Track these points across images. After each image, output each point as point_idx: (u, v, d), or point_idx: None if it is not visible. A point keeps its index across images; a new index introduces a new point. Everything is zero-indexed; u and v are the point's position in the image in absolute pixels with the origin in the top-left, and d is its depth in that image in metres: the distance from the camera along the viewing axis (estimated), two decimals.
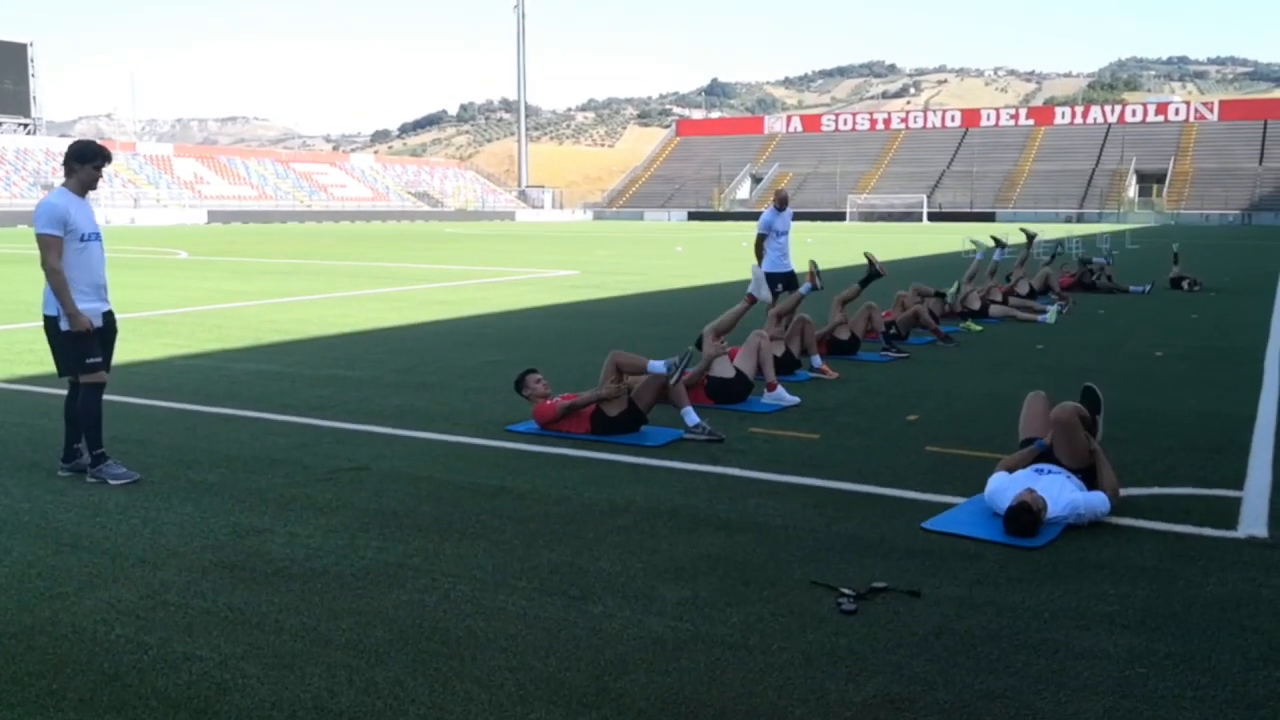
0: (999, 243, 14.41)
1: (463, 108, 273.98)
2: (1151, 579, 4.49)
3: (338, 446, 6.83)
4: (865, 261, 11.69)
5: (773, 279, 12.09)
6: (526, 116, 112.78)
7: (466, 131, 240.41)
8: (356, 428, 7.40)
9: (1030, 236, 18.13)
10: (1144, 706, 3.35)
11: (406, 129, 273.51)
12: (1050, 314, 14.20)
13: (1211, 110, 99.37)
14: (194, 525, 5.16)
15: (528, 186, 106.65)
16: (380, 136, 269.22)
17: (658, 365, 7.13)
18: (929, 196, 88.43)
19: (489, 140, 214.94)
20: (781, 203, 12.94)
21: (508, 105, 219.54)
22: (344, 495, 5.69)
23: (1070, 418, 5.50)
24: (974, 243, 16.89)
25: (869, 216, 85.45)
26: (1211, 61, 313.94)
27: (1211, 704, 3.37)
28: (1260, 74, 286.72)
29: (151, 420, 7.66)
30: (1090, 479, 5.38)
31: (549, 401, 7.26)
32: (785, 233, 12.81)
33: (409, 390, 8.84)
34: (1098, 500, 5.19)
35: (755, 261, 12.47)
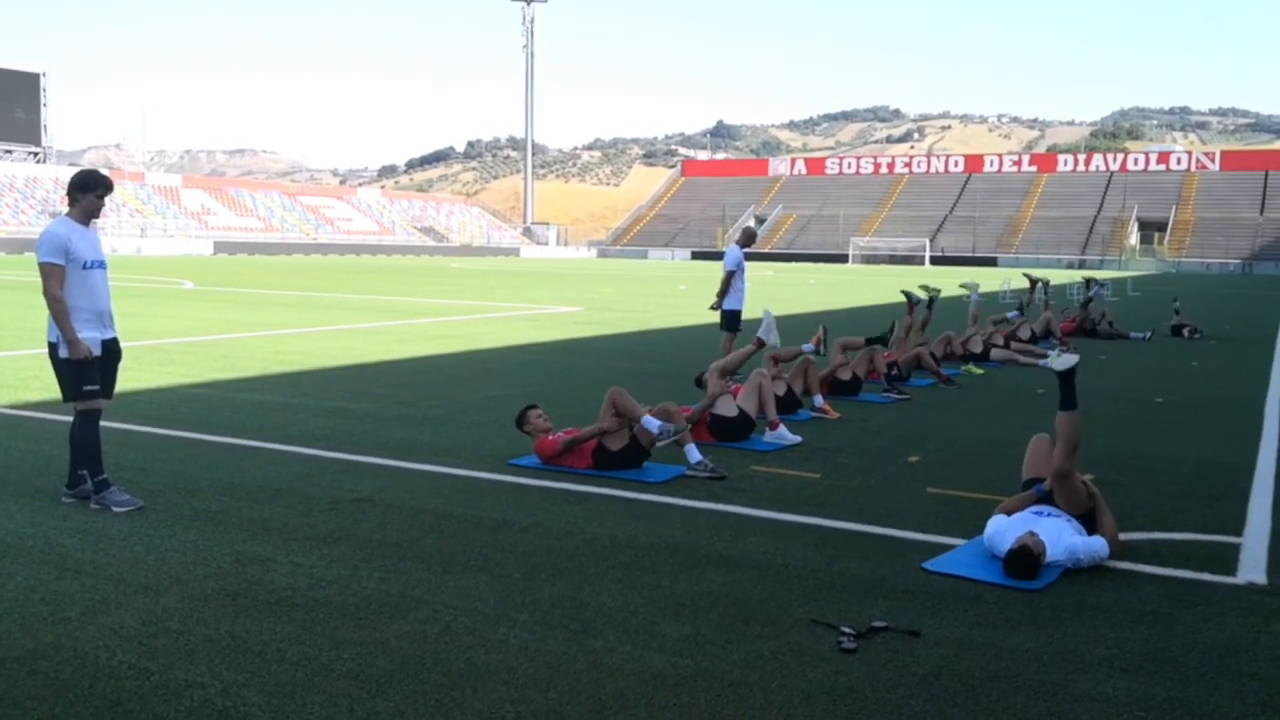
0: (929, 292, 13.26)
1: (470, 144, 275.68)
2: (1151, 623, 4.50)
3: (341, 477, 6.85)
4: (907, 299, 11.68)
5: (738, 316, 12.43)
6: (533, 154, 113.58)
7: (473, 168, 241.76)
8: (360, 459, 7.43)
9: (1034, 282, 18.24)
10: None
11: (413, 164, 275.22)
12: (1052, 358, 14.20)
13: (1213, 160, 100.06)
14: (197, 553, 5.18)
15: (533, 223, 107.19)
16: (387, 171, 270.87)
17: (651, 424, 7.08)
18: (931, 240, 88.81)
19: (495, 177, 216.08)
20: (750, 239, 12.96)
21: (515, 143, 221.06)
22: (347, 526, 5.71)
23: (1065, 468, 5.53)
24: (964, 286, 16.93)
25: (871, 259, 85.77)
26: (1213, 112, 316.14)
27: None
28: (1262, 125, 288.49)
29: (155, 448, 7.69)
30: (1090, 523, 5.40)
31: (551, 436, 7.29)
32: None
33: (412, 423, 8.87)
34: (1097, 545, 5.21)
35: (728, 298, 12.45)
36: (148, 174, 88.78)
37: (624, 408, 7.20)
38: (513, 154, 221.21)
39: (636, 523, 5.90)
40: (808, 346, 9.75)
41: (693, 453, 7.11)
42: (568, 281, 40.27)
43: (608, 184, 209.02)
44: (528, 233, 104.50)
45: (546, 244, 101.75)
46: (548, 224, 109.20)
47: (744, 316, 12.65)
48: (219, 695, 3.58)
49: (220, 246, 72.03)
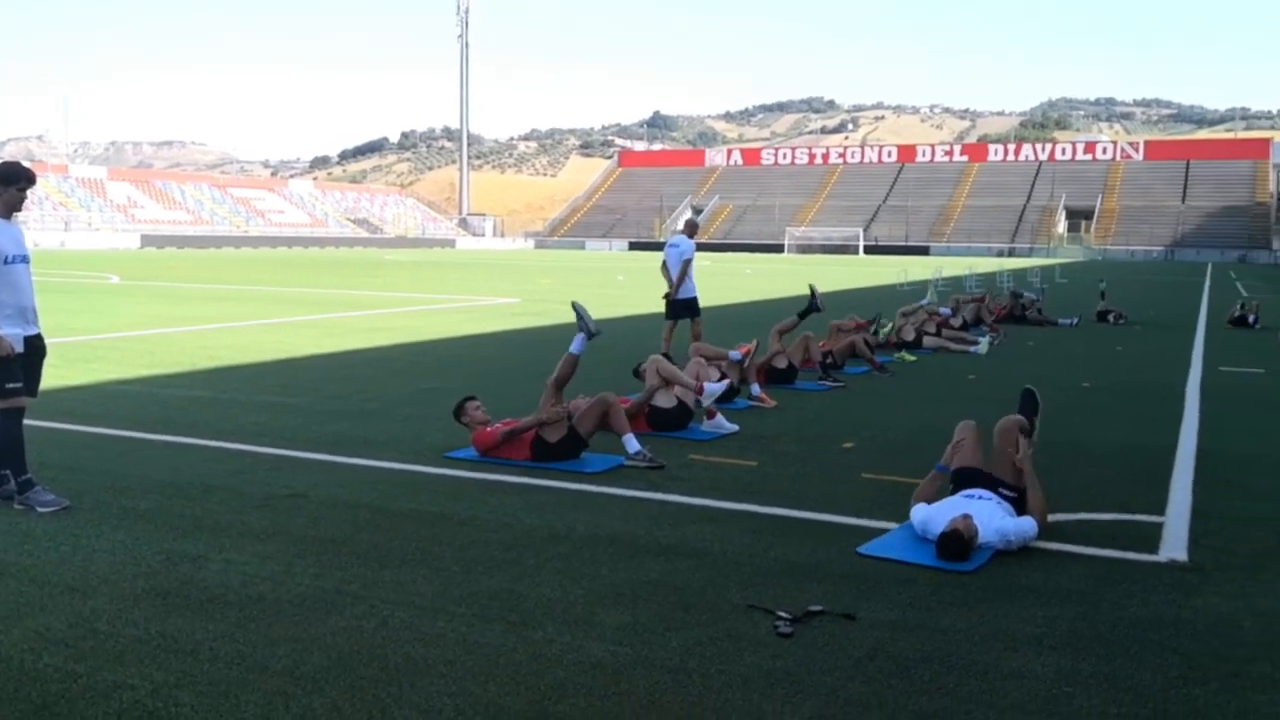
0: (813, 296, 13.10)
1: (404, 135, 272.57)
2: (1078, 602, 4.61)
3: (274, 473, 6.76)
4: (807, 293, 11.89)
5: (691, 305, 12.88)
6: (469, 145, 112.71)
7: (408, 159, 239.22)
8: (293, 454, 7.34)
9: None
10: None
11: (347, 155, 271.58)
12: (983, 345, 14.50)
13: (1137, 150, 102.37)
14: (126, 552, 5.08)
15: (469, 214, 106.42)
16: (320, 163, 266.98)
17: (575, 345, 7.40)
18: (865, 230, 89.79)
19: (430, 168, 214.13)
20: (695, 230, 13.35)
21: (450, 133, 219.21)
22: (280, 522, 5.64)
23: (1011, 436, 5.73)
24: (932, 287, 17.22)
25: (806, 249, 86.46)
26: (1137, 103, 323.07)
27: None
28: (1183, 116, 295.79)
29: (81, 446, 7.52)
30: (1021, 501, 5.53)
31: (489, 428, 7.26)
32: None
33: (347, 417, 8.78)
34: (1027, 525, 5.33)
35: (672, 287, 12.83)
36: (71, 166, 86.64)
37: (561, 375, 7.34)
38: (448, 144, 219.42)
39: (575, 513, 5.91)
40: (735, 354, 9.63)
41: (631, 442, 7.13)
42: (505, 273, 40.08)
43: (544, 174, 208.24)
44: (463, 224, 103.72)
45: (483, 235, 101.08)
46: (484, 215, 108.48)
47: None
48: (149, 696, 3.52)
49: (148, 240, 70.44)
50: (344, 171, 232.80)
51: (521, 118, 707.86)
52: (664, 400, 8.29)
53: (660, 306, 13.27)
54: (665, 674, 3.77)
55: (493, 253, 77.45)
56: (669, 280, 12.91)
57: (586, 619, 4.29)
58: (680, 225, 13.48)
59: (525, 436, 7.13)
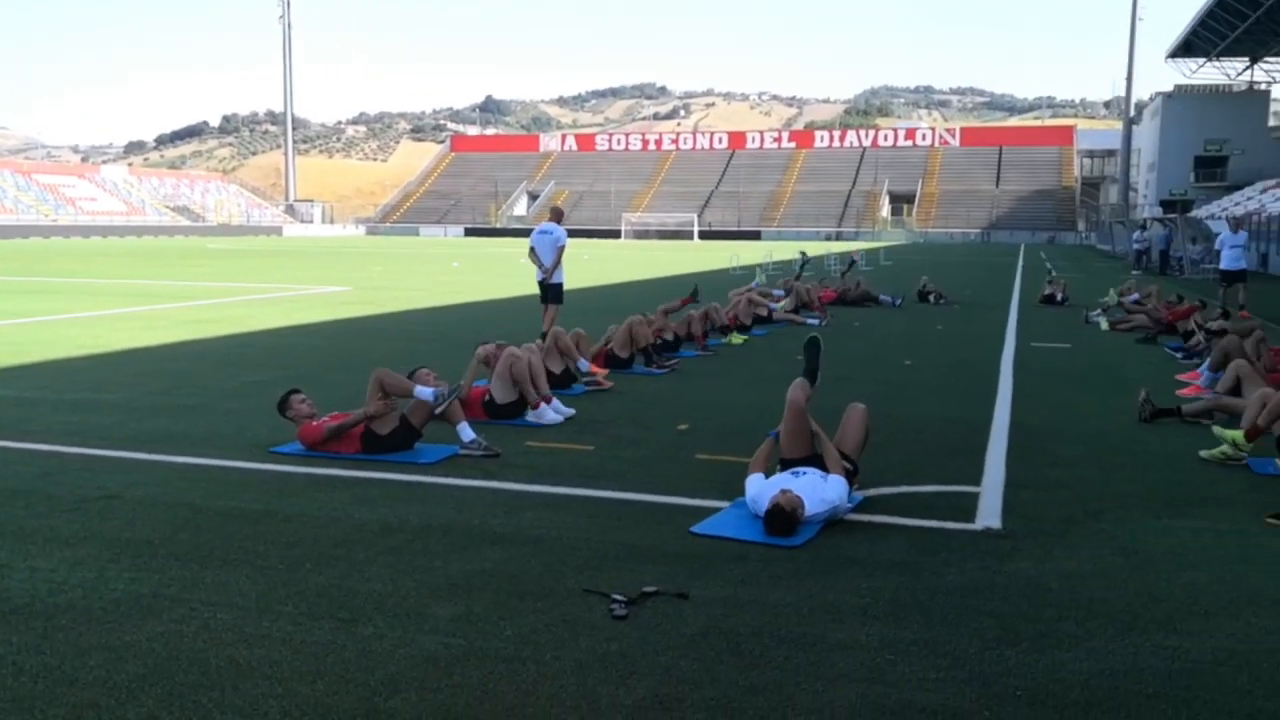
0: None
1: (225, 119, 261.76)
2: (900, 571, 4.79)
3: (86, 475, 6.40)
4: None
5: (558, 290, 13.53)
6: (294, 129, 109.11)
7: (230, 144, 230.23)
8: (107, 454, 6.96)
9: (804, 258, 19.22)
10: (893, 691, 3.58)
11: (164, 140, 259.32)
12: (810, 327, 14.92)
13: (954, 136, 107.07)
14: None
15: (296, 200, 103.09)
16: (135, 148, 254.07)
17: (425, 393, 7.00)
18: (699, 215, 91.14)
19: (254, 153, 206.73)
20: (561, 216, 13.92)
21: (274, 117, 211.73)
22: (93, 525, 5.34)
23: (798, 407, 5.93)
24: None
25: (643, 234, 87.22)
26: (953, 91, 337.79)
27: (952, 684, 3.64)
28: (996, 104, 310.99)
29: None
30: (854, 472, 5.79)
31: (315, 422, 7.05)
32: None
33: (166, 413, 8.38)
34: (840, 485, 5.52)
35: (544, 271, 13.40)
36: None
37: (393, 385, 7.06)
38: (272, 128, 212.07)
39: (408, 505, 5.80)
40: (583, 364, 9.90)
41: (465, 431, 7.04)
42: (334, 260, 39.00)
43: (375, 159, 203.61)
44: (290, 210, 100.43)
45: (311, 222, 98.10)
46: (312, 201, 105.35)
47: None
48: None
49: None
50: (161, 157, 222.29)
51: (349, 101, 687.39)
52: (502, 394, 8.19)
53: (507, 292, 13.28)
54: (499, 663, 3.74)
55: (322, 240, 75.26)
56: (539, 265, 13.49)
57: (418, 612, 4.22)
58: (544, 212, 14.24)
59: (355, 430, 6.95)
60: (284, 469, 6.63)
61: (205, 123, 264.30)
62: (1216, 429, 7.27)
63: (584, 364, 9.74)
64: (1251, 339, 9.99)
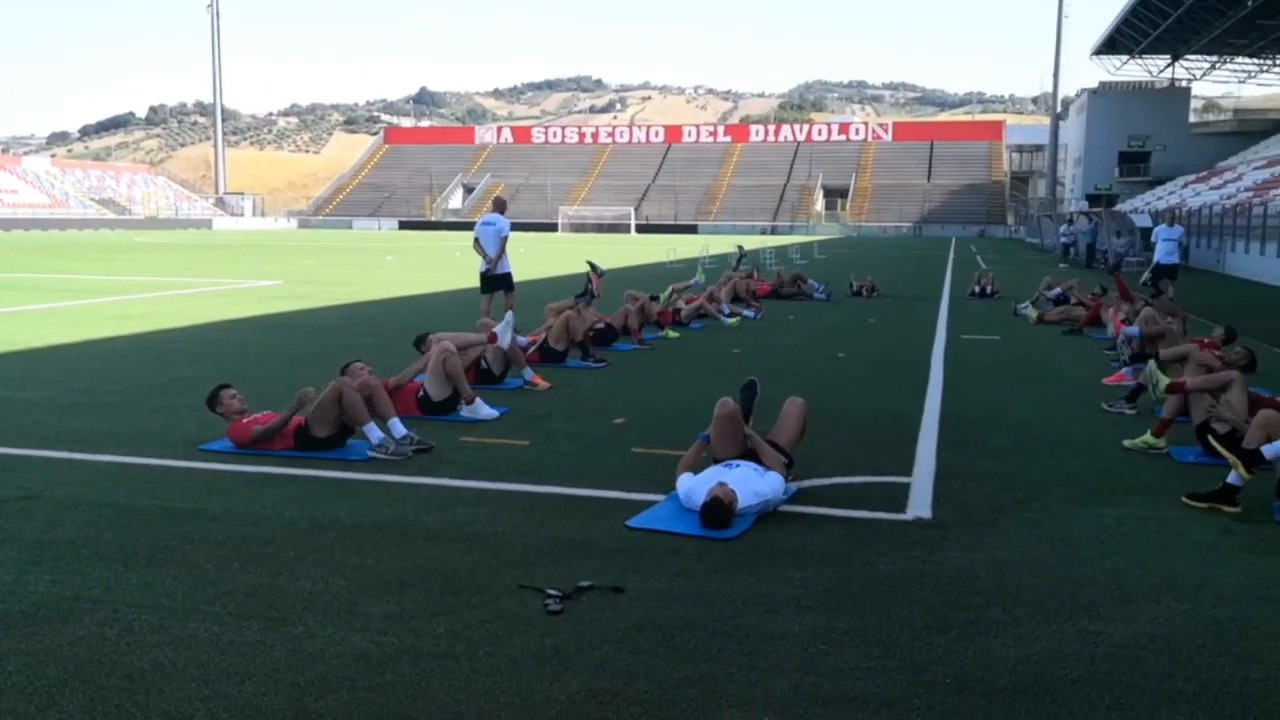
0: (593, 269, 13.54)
1: (153, 110, 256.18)
2: (833, 562, 4.84)
3: (5, 474, 6.22)
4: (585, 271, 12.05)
5: (506, 280, 13.86)
6: (224, 120, 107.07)
7: (157, 135, 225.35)
8: (27, 453, 6.77)
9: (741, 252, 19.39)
10: (825, 680, 3.61)
11: (89, 131, 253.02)
12: (735, 320, 15.06)
13: (886, 131, 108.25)
14: None
15: (226, 193, 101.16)
16: (58, 139, 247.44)
17: (368, 444, 6.76)
18: (636, 209, 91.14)
19: (183, 145, 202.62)
20: (504, 207, 14.32)
21: (203, 108, 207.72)
22: (11, 527, 5.20)
23: (728, 412, 5.98)
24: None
25: (580, 228, 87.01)
26: (886, 86, 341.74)
27: (883, 672, 3.68)
28: (928, 99, 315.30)
29: None
30: (789, 464, 5.83)
31: (245, 420, 6.92)
32: None
33: (90, 411, 8.18)
34: (775, 480, 5.56)
35: (489, 262, 13.72)
36: None
37: (347, 406, 6.75)
38: (201, 120, 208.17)
39: (339, 503, 5.72)
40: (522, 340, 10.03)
41: (397, 426, 6.94)
42: (266, 254, 38.37)
43: (307, 151, 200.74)
44: (221, 203, 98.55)
45: (242, 215, 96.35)
46: (243, 194, 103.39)
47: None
48: None
49: None
50: (86, 149, 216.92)
51: (281, 93, 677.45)
52: (436, 390, 8.11)
53: (441, 285, 13.21)
54: (432, 661, 3.71)
55: (253, 233, 73.99)
56: (483, 256, 13.78)
57: (350, 610, 4.17)
58: (489, 204, 14.61)
59: (287, 428, 6.83)
60: (212, 466, 6.51)
61: (132, 114, 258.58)
62: (1151, 364, 7.54)
63: (528, 372, 9.66)
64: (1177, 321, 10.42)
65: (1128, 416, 8.41)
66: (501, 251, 13.78)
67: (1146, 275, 20.74)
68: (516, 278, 14.32)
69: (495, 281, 13.85)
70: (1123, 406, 8.64)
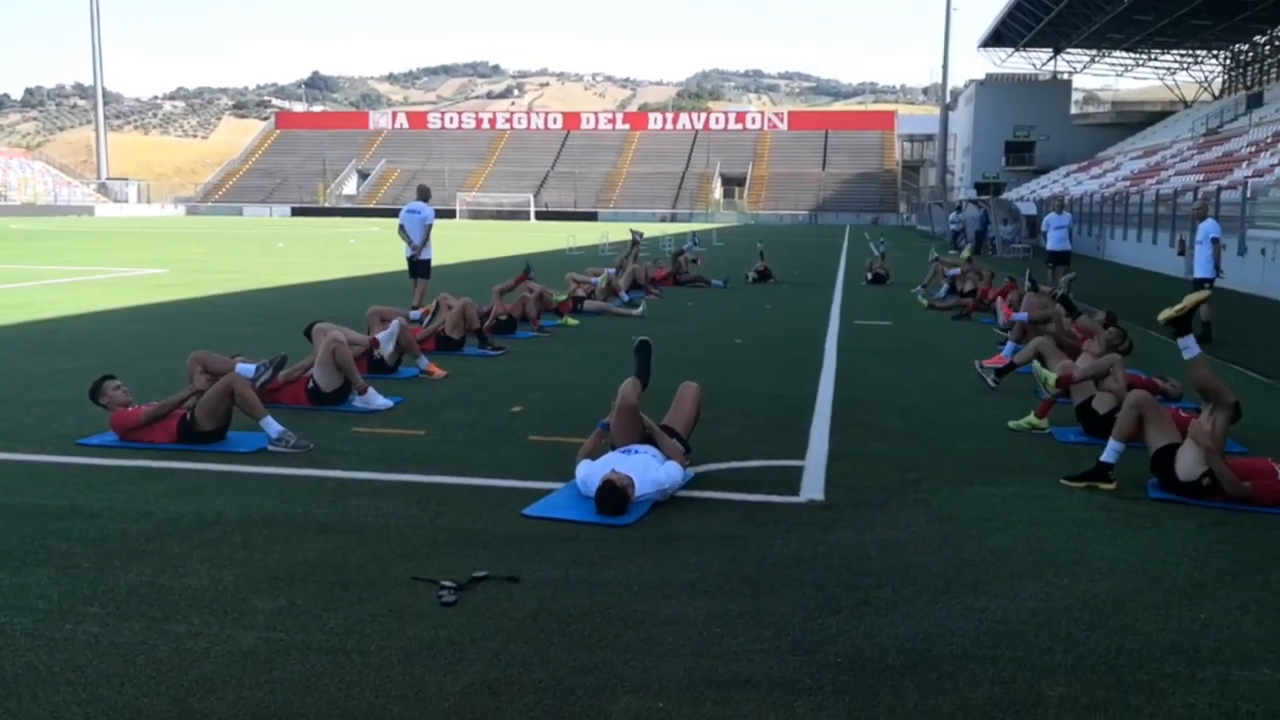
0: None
1: (29, 92, 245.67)
2: (728, 545, 4.89)
3: None
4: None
5: (425, 265, 14.62)
6: (105, 103, 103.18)
7: (34, 118, 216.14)
8: None
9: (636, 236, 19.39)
10: (719, 664, 3.64)
11: None
12: (642, 308, 15.07)
13: (782, 120, 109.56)
14: None
15: (109, 179, 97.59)
16: None
17: (246, 369, 6.79)
18: (535, 196, 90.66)
19: (61, 128, 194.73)
20: (428, 194, 15.00)
21: (83, 90, 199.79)
22: None
23: (629, 405, 5.94)
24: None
25: (479, 214, 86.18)
26: (781, 76, 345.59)
27: (776, 654, 3.73)
28: (822, 89, 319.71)
29: None
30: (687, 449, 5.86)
31: (129, 409, 6.69)
32: None
33: None
34: (674, 470, 5.59)
35: (413, 249, 14.49)
36: None
37: (213, 364, 6.82)
38: (81, 102, 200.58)
39: (225, 496, 5.57)
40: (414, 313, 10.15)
41: (271, 425, 6.63)
42: (151, 241, 37.13)
43: (194, 136, 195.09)
44: (103, 189, 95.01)
45: (126, 201, 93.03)
46: (127, 179, 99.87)
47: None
48: None
49: None
50: None
51: (167, 75, 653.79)
52: (326, 381, 7.93)
53: (334, 273, 13.00)
54: (322, 656, 3.64)
55: (138, 220, 71.52)
56: (408, 242, 14.50)
57: (237, 607, 4.06)
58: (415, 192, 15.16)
59: (171, 420, 6.62)
60: (91, 461, 6.27)
61: (6, 95, 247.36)
62: (1035, 364, 7.80)
63: (424, 361, 9.52)
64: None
65: (1009, 398, 8.59)
66: (426, 238, 14.52)
67: (1029, 272, 21.36)
68: (402, 265, 14.86)
69: (420, 267, 14.57)
70: (991, 376, 8.96)
